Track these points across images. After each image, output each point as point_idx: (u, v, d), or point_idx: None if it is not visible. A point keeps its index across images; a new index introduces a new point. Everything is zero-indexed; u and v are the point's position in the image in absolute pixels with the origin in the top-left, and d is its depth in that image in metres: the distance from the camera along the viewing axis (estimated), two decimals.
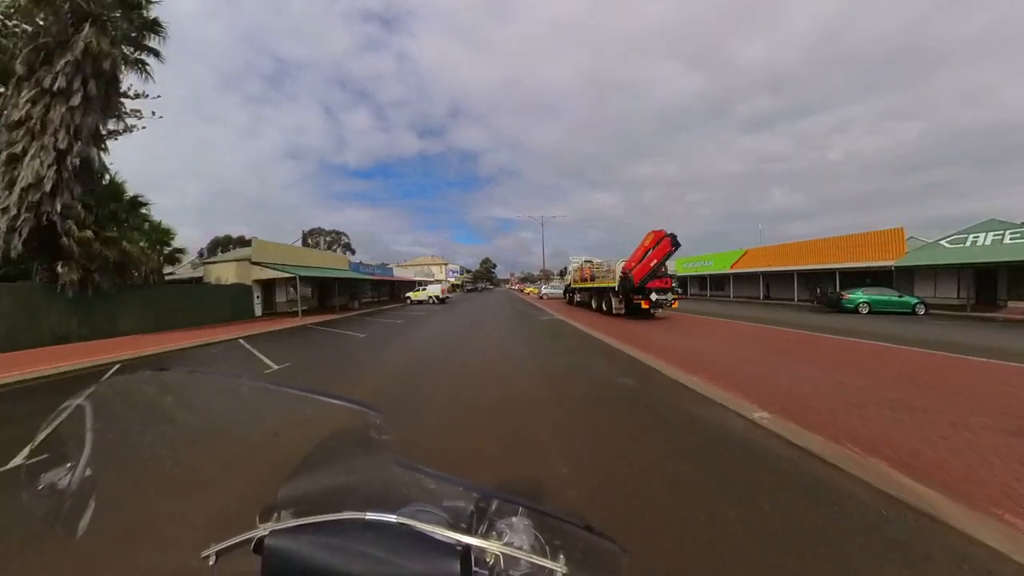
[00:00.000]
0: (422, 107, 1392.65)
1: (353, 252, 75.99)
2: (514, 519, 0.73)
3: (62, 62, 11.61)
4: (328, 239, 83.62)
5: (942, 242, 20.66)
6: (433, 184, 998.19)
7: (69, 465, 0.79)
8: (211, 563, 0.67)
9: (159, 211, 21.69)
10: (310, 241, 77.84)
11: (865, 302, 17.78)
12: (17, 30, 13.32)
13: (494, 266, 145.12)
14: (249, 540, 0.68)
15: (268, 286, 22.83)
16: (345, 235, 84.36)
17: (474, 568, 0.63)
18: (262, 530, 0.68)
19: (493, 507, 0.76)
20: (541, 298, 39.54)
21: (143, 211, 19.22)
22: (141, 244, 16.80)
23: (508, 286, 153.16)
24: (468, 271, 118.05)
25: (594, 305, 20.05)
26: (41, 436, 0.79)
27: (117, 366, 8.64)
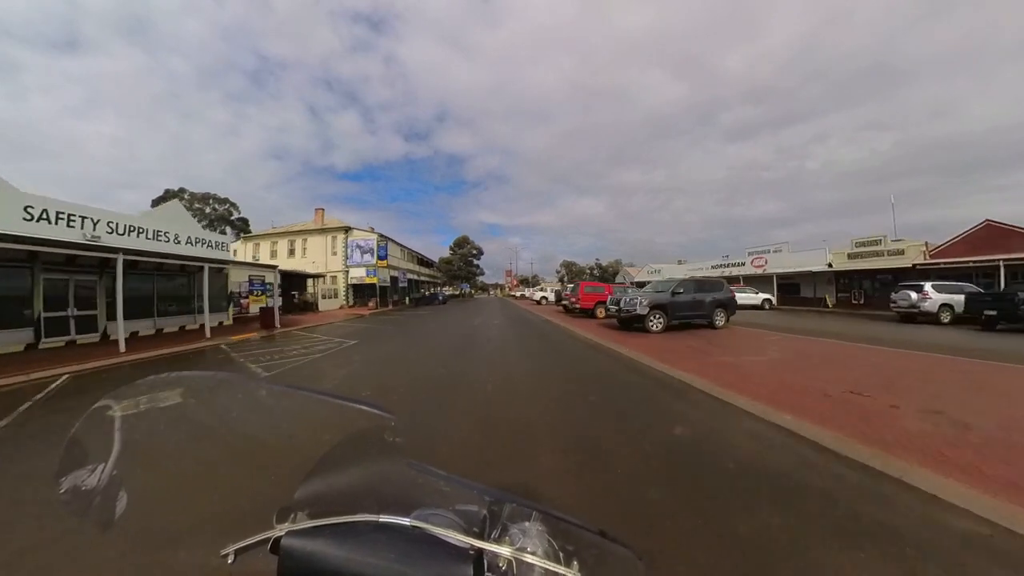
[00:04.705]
0: (409, 110, 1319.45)
1: (249, 231, 51.84)
2: (527, 524, 0.71)
3: None
4: (210, 211, 59.65)
5: None
6: (420, 188, 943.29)
7: (102, 464, 0.83)
8: (230, 561, 0.70)
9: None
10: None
11: None
12: None
13: (478, 254, 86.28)
14: (266, 540, 0.70)
15: None
16: (234, 206, 60.46)
17: (487, 573, 0.64)
18: (279, 531, 0.69)
19: (506, 512, 0.74)
20: None
21: None
22: None
23: (501, 293, 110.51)
24: (429, 264, 68.39)
25: None
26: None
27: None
